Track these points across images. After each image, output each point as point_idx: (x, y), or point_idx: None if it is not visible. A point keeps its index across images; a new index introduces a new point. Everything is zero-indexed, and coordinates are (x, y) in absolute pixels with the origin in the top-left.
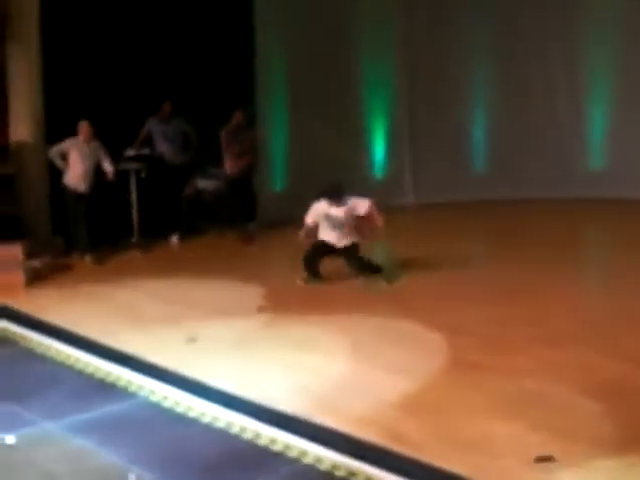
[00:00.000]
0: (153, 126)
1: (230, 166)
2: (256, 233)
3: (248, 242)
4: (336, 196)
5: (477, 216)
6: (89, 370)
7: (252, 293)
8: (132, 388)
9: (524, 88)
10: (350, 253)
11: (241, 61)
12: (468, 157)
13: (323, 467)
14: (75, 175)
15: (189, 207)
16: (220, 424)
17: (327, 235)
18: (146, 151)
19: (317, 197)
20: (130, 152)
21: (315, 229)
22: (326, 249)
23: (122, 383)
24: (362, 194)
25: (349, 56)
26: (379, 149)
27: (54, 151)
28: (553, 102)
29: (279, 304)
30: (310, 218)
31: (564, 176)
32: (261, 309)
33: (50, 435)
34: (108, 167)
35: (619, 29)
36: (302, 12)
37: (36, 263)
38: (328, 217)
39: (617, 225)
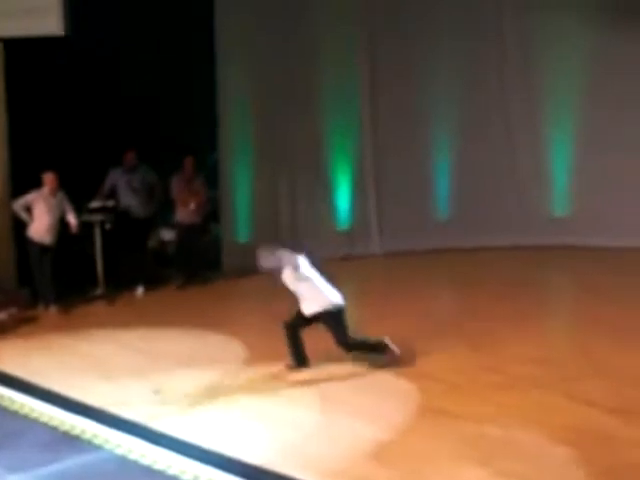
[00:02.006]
0: (117, 177)
1: (182, 215)
2: (210, 279)
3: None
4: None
5: (441, 265)
6: (54, 423)
7: (218, 343)
8: (97, 441)
9: (486, 134)
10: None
11: (204, 110)
12: (432, 205)
13: None
14: (41, 227)
15: (153, 258)
16: (187, 477)
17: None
18: (111, 203)
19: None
20: (94, 204)
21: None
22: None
23: (87, 436)
24: (327, 244)
25: (313, 106)
26: (343, 199)
27: (19, 204)
28: (515, 148)
29: (248, 353)
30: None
31: (528, 223)
32: (227, 360)
33: None
34: (72, 219)
35: (583, 73)
36: (266, 57)
37: (1, 315)
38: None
39: (581, 272)
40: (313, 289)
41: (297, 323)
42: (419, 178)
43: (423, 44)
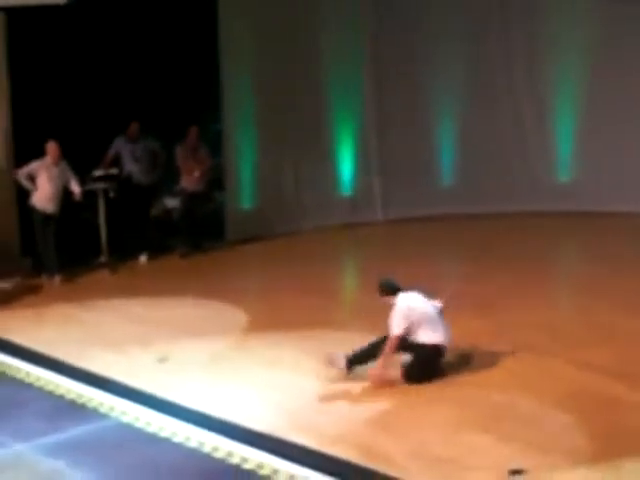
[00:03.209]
0: (121, 146)
1: (186, 182)
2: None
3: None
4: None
5: (446, 231)
6: (60, 392)
7: (222, 311)
8: (103, 409)
9: (491, 102)
10: None
11: (207, 79)
12: (436, 172)
13: None
14: (44, 196)
15: (157, 226)
16: (192, 443)
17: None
18: (114, 171)
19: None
20: (98, 172)
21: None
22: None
23: (93, 404)
24: (330, 211)
25: (316, 73)
26: (347, 166)
27: (22, 173)
28: (520, 116)
29: (251, 320)
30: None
31: (531, 189)
32: (230, 327)
33: (21, 457)
34: (76, 188)
35: (586, 41)
36: (269, 30)
37: (5, 284)
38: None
39: (586, 238)
40: None
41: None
42: (423, 145)
43: (428, 16)
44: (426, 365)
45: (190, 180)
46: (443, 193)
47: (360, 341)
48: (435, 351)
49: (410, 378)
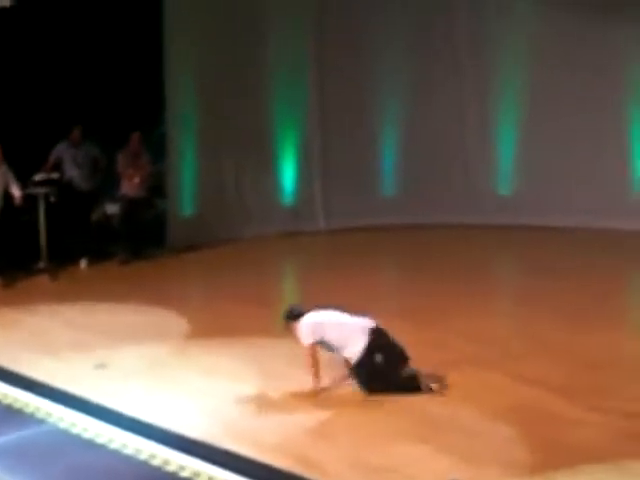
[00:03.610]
0: (63, 151)
1: (126, 188)
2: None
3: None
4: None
5: (387, 241)
6: None
7: (161, 318)
8: (40, 414)
9: (433, 113)
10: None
11: (150, 84)
12: (379, 181)
13: None
14: None
15: (98, 232)
16: (129, 450)
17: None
18: (55, 175)
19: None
20: (39, 176)
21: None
22: None
23: (30, 409)
24: (272, 219)
25: (260, 80)
26: (289, 174)
27: None
28: (462, 127)
29: (190, 328)
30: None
31: (473, 201)
32: (169, 334)
33: None
34: (16, 191)
35: (529, 56)
36: (212, 34)
37: None
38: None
39: (525, 251)
40: None
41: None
42: (365, 155)
43: (372, 19)
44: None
45: (130, 186)
46: (386, 203)
47: (298, 349)
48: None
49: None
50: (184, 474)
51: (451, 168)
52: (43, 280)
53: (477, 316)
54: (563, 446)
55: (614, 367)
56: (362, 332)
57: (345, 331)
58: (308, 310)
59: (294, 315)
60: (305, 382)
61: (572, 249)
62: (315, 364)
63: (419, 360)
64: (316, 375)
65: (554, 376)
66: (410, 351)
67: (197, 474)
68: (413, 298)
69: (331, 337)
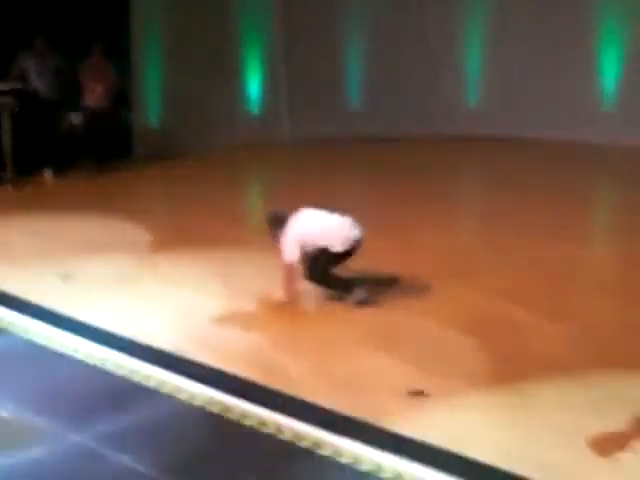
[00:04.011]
0: (27, 60)
1: (89, 100)
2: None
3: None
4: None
5: (352, 154)
6: None
7: (126, 229)
8: (3, 325)
9: (399, 24)
10: None
11: None
12: (345, 92)
13: (197, 403)
14: None
15: (63, 142)
16: (94, 361)
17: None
18: (19, 85)
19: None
20: (2, 86)
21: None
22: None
23: None
24: (238, 129)
25: None
26: (254, 84)
27: None
28: (428, 38)
29: (156, 240)
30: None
31: (441, 112)
32: (134, 245)
33: None
34: None
35: None
36: None
37: None
38: None
39: (491, 164)
40: None
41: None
42: (332, 65)
43: None
44: (317, 263)
45: (92, 97)
46: (352, 114)
47: (264, 260)
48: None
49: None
50: (150, 384)
51: (418, 80)
52: (7, 191)
53: (442, 231)
54: (527, 357)
55: (576, 279)
56: (343, 241)
57: (327, 237)
58: (290, 213)
59: (278, 220)
60: (272, 292)
61: (538, 162)
62: (291, 279)
63: (384, 270)
64: (290, 290)
65: (516, 287)
66: (373, 261)
67: (163, 384)
68: (377, 210)
69: (314, 244)
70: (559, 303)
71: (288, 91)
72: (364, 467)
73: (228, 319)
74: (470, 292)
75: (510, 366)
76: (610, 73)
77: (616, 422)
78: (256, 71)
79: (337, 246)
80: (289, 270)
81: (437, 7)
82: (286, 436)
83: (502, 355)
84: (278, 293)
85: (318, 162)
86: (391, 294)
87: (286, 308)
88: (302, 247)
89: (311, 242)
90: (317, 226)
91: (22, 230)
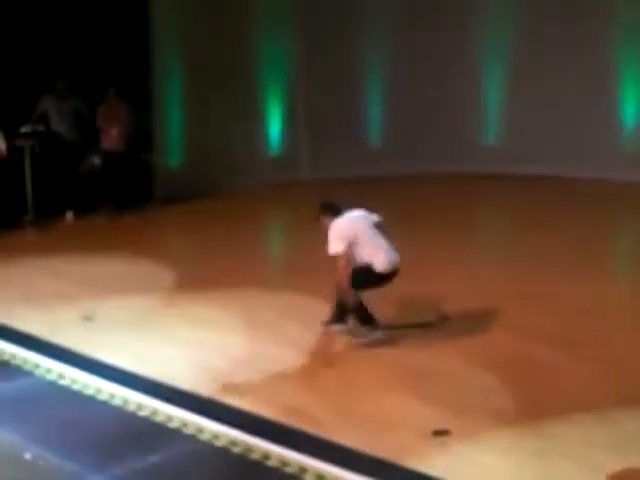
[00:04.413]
0: (48, 103)
1: (105, 142)
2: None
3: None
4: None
5: (373, 193)
6: None
7: (149, 270)
8: (27, 366)
9: (420, 63)
10: None
11: (137, 37)
12: (365, 132)
13: (220, 444)
14: None
15: (84, 184)
16: (117, 401)
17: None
18: (41, 127)
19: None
20: (25, 129)
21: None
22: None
23: (17, 362)
24: (258, 170)
25: (246, 32)
26: (275, 125)
27: None
28: (449, 77)
29: (179, 281)
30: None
31: (461, 151)
32: (157, 286)
33: None
34: (2, 144)
35: (516, 7)
36: None
37: None
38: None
39: (512, 201)
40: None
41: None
42: (352, 105)
43: None
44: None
45: (108, 139)
46: (372, 154)
47: (287, 301)
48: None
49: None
50: (172, 425)
51: (437, 118)
52: (30, 233)
53: (466, 267)
54: (550, 395)
55: (599, 316)
56: (387, 263)
57: (374, 255)
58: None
59: (330, 209)
60: (295, 335)
61: (559, 199)
62: (344, 268)
63: (408, 311)
64: (343, 277)
65: (541, 325)
66: (399, 303)
67: (185, 424)
68: (403, 247)
69: (360, 256)
70: (582, 339)
71: (309, 132)
72: None
73: (251, 360)
74: (493, 328)
75: (532, 405)
76: (629, 112)
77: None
78: (277, 113)
79: (381, 267)
80: (340, 261)
81: (457, 46)
82: (309, 476)
83: (525, 393)
84: (306, 336)
85: (339, 202)
86: (412, 333)
87: (312, 350)
88: (348, 245)
89: (358, 250)
90: (368, 238)
91: (44, 271)
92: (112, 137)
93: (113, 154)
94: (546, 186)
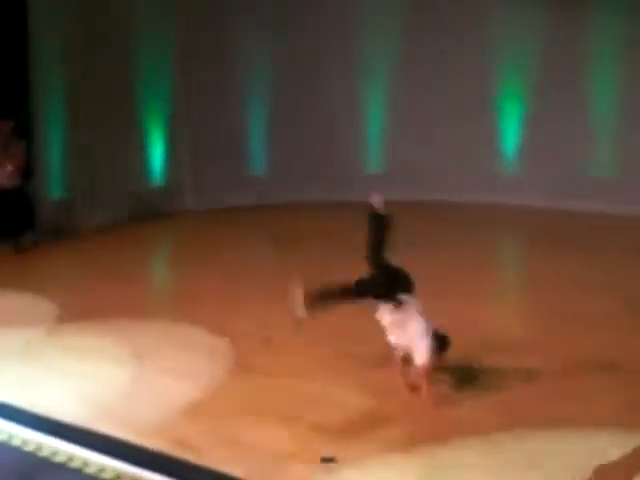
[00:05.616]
0: None
1: (1, 178)
2: (31, 243)
3: (22, 251)
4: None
5: (254, 221)
6: None
7: (30, 303)
8: None
9: (300, 91)
10: None
11: (14, 67)
12: (248, 161)
13: (107, 476)
14: None
15: None
16: (1, 436)
17: None
18: None
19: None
20: None
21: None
22: None
23: None
24: (141, 201)
25: (126, 61)
26: (157, 155)
27: None
28: (330, 104)
29: (58, 313)
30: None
31: (343, 179)
32: (38, 319)
33: None
34: None
35: (396, 23)
36: (78, 19)
37: None
38: None
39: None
40: None
41: None
42: (234, 134)
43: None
44: None
45: (3, 176)
46: (255, 183)
47: (171, 330)
48: None
49: None
50: (57, 459)
51: (317, 149)
52: None
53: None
54: (444, 424)
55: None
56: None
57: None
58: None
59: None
60: (179, 364)
61: (448, 223)
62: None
63: (291, 338)
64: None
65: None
66: (281, 330)
67: (71, 458)
68: (279, 279)
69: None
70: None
71: (191, 162)
72: None
73: (137, 390)
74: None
75: (412, 429)
76: (510, 138)
77: None
78: (159, 142)
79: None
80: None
81: (339, 72)
82: None
83: (404, 418)
84: (191, 365)
85: (221, 230)
86: (295, 361)
87: (197, 379)
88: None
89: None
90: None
91: None
92: (6, 174)
93: (7, 191)
94: (426, 211)
